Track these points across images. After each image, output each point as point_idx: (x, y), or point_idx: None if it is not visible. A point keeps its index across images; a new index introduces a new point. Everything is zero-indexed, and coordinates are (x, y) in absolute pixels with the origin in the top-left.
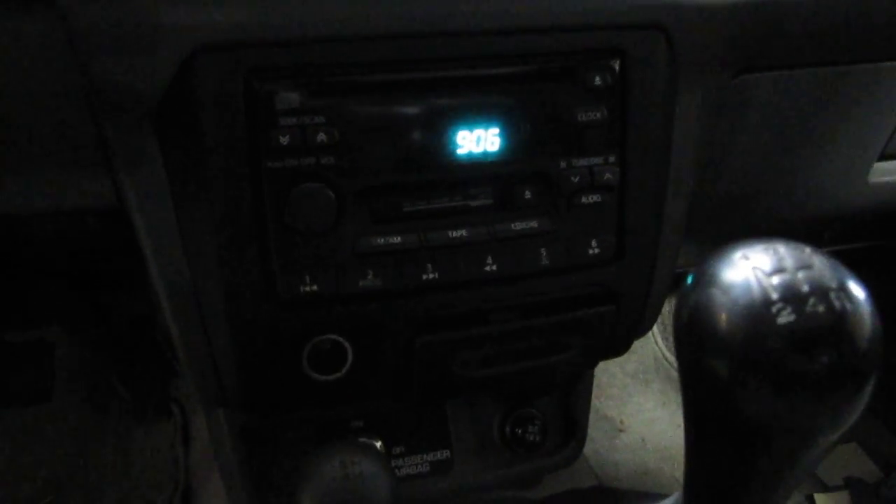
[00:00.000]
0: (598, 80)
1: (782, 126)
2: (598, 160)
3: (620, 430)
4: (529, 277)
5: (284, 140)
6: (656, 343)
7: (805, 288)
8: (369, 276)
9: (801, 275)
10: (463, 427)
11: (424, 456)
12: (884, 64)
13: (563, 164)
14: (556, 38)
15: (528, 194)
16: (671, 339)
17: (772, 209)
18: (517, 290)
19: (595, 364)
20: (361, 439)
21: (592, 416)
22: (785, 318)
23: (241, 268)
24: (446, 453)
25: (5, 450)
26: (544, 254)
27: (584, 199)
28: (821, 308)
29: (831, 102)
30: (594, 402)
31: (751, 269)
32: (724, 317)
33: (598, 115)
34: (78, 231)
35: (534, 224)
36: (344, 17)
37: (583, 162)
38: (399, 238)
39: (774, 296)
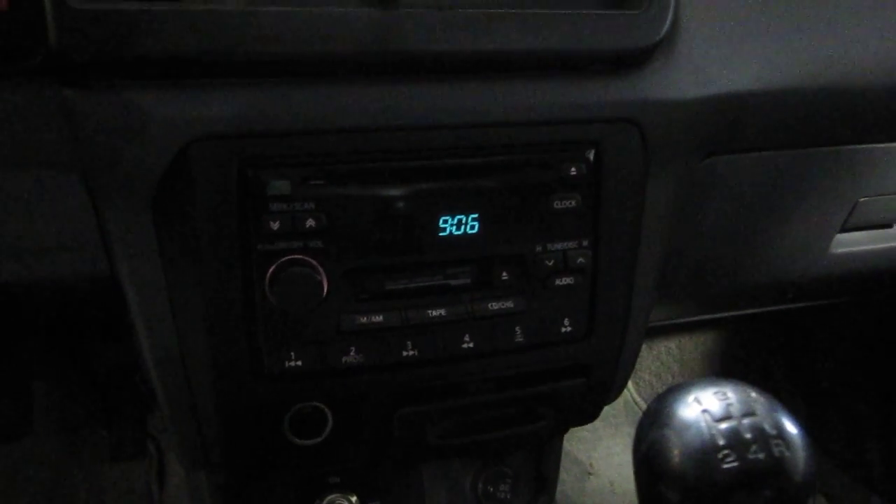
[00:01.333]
0: (573, 171)
1: (746, 202)
2: (572, 244)
3: (590, 474)
4: (504, 353)
5: (275, 225)
6: (627, 388)
7: (748, 435)
8: (352, 353)
9: (745, 422)
10: (437, 484)
11: None
12: (843, 147)
13: (538, 248)
14: (535, 131)
15: (504, 275)
16: (641, 383)
17: (738, 275)
18: (492, 365)
19: (565, 430)
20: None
21: (562, 459)
22: (730, 463)
23: (229, 344)
24: None
25: None
26: (519, 331)
27: (557, 282)
28: (761, 455)
29: (793, 181)
30: (564, 444)
31: (701, 412)
32: (677, 456)
33: (573, 202)
34: (67, 294)
35: (510, 304)
36: (332, 111)
37: (557, 246)
38: (381, 317)
39: (721, 441)
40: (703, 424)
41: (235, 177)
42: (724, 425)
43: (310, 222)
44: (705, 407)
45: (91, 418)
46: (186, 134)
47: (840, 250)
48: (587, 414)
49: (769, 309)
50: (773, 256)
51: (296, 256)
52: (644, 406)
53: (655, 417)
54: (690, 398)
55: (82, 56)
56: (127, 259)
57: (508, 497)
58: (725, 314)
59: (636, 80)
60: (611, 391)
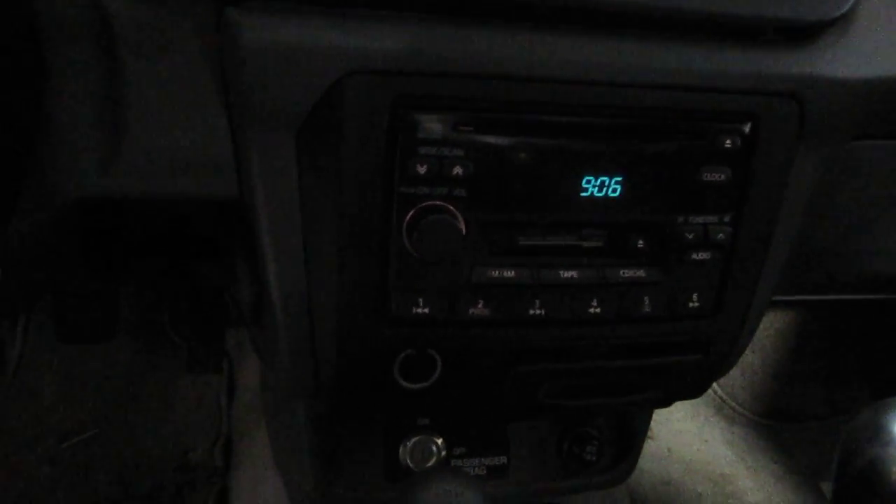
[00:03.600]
0: (727, 143)
1: (885, 190)
2: (713, 219)
3: (648, 437)
4: (628, 322)
5: (422, 169)
6: None
7: None
8: (479, 305)
9: None
10: (522, 436)
11: (483, 460)
12: None
13: (679, 220)
14: (692, 96)
15: (640, 243)
16: None
17: (864, 262)
18: (615, 333)
19: (671, 403)
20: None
21: None
22: None
23: (358, 284)
24: (503, 459)
25: (57, 382)
26: (647, 302)
27: (694, 256)
28: None
29: None
30: None
31: None
32: None
33: (723, 175)
34: (186, 214)
35: (641, 273)
36: (493, 56)
37: (699, 219)
38: (513, 272)
39: None
40: None
41: (388, 115)
42: None
43: (457, 169)
44: None
45: (173, 329)
46: (345, 66)
47: None
48: (697, 389)
49: (875, 297)
50: None
51: (437, 203)
52: None
53: (875, 432)
54: None
55: None
56: (264, 186)
57: (593, 459)
58: (835, 297)
59: (806, 54)
60: (724, 368)
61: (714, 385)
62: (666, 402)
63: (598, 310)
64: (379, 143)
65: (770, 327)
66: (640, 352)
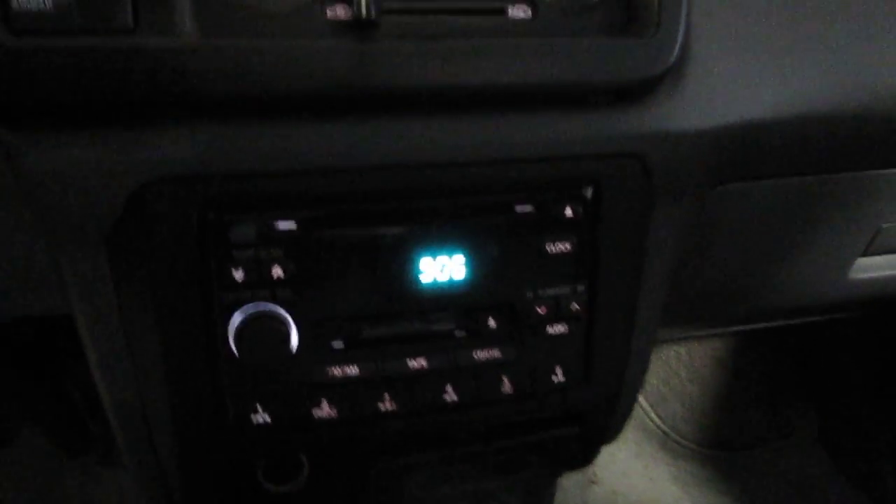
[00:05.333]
0: (568, 211)
1: (760, 229)
2: (566, 290)
3: (592, 482)
4: (490, 404)
5: (238, 274)
6: None
7: None
8: (323, 406)
9: None
10: None
11: None
12: (865, 173)
13: (529, 294)
14: (527, 168)
15: (492, 323)
16: (649, 388)
17: (749, 300)
18: (476, 416)
19: (558, 476)
20: None
21: None
22: None
23: (190, 393)
24: None
25: None
26: (506, 381)
27: (549, 329)
28: None
29: (811, 208)
30: None
31: None
32: None
33: (568, 245)
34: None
35: (497, 353)
36: (301, 149)
37: (550, 291)
38: (356, 368)
39: None
40: None
41: (195, 221)
42: None
43: (277, 271)
44: None
45: (86, 421)
46: (138, 178)
47: (860, 276)
48: (583, 458)
49: (781, 324)
50: (788, 282)
51: (262, 308)
52: (652, 413)
53: None
54: None
55: (16, 98)
56: (80, 299)
57: None
58: (735, 328)
59: (640, 112)
60: (606, 435)
61: (655, 418)
62: (552, 476)
63: (454, 396)
64: (191, 250)
65: (706, 355)
66: (510, 432)
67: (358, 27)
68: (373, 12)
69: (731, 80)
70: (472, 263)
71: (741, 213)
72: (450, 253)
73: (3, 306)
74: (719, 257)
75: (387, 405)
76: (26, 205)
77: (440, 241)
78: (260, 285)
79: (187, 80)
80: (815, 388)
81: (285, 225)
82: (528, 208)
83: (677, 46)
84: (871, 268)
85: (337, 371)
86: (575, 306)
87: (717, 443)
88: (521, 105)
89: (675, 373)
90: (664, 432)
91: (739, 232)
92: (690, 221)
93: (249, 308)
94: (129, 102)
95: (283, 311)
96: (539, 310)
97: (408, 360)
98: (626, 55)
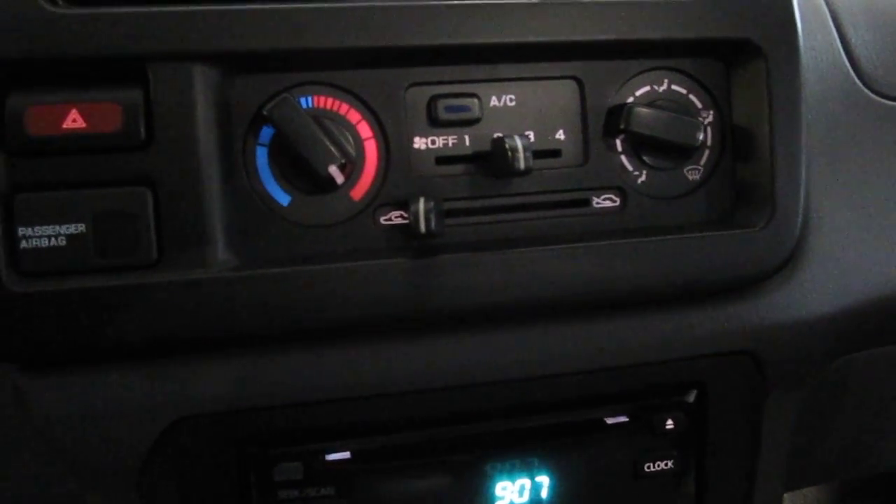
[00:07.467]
0: (669, 423)
1: (884, 396)
2: None
3: None
4: None
5: None
6: None
7: None
8: None
9: None
10: None
11: None
12: None
13: None
14: (618, 376)
15: None
16: None
17: (873, 460)
18: None
19: None
20: None
21: None
22: None
23: None
24: None
25: None
26: None
27: None
28: None
29: None
30: None
31: None
32: None
33: (669, 463)
34: None
35: None
36: (352, 376)
37: None
38: None
39: None
40: None
41: (234, 458)
42: None
43: None
44: None
45: None
46: (166, 418)
47: None
48: None
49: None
50: None
51: None
52: None
53: None
54: None
55: (25, 343)
56: None
57: None
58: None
59: (751, 304)
60: None
61: None
62: None
63: None
64: (230, 493)
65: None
66: None
67: (417, 237)
68: (433, 227)
69: (858, 254)
70: (554, 490)
71: (865, 381)
72: (531, 476)
73: None
74: (843, 425)
75: None
76: (47, 448)
77: (520, 464)
78: None
79: (219, 316)
80: None
81: (336, 459)
82: (620, 425)
83: (794, 236)
84: None
85: None
86: None
87: None
88: (610, 310)
89: None
90: None
91: (861, 400)
92: (807, 401)
93: None
94: (153, 341)
95: None
96: None
97: None
98: (736, 250)
